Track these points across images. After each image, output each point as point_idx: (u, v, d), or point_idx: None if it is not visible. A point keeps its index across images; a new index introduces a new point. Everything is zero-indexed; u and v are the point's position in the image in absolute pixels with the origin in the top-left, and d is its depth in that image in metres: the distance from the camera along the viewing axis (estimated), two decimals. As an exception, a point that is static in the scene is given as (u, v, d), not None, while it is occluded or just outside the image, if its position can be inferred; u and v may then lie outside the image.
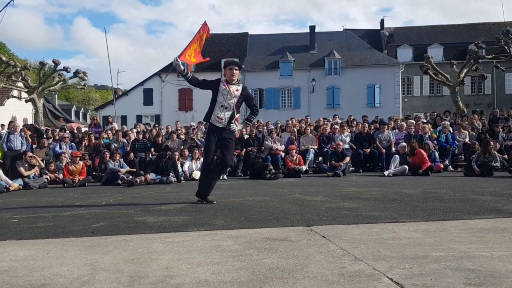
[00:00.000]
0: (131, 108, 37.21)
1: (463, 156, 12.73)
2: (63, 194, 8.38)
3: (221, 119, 5.86)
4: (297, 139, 12.85)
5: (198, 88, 6.25)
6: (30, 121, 29.36)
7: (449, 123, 13.65)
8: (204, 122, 5.87)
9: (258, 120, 16.35)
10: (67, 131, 14.49)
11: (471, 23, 43.32)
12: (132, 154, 11.50)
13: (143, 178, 10.10)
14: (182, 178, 10.62)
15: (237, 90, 5.90)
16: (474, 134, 13.34)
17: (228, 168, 6.28)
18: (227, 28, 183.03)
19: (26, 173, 10.06)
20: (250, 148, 12.43)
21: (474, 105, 37.08)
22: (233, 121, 5.91)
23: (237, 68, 5.99)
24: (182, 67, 6.00)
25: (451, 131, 13.21)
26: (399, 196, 6.45)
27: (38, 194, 8.54)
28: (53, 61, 22.00)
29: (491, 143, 11.05)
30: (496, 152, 10.93)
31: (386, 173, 10.76)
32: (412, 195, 6.57)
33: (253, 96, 6.22)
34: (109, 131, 13.53)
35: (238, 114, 6.02)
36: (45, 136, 13.03)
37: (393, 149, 12.19)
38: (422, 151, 11.02)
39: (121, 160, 10.94)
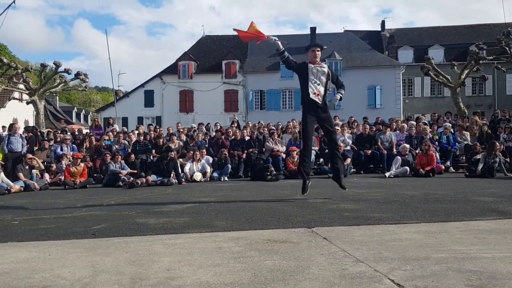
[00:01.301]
0: (132, 110, 37.25)
1: (464, 158, 12.71)
2: (64, 196, 8.39)
3: (318, 94, 6.09)
4: (298, 141, 12.84)
5: (287, 67, 6.50)
6: (31, 123, 29.41)
7: (450, 125, 13.63)
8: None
9: (259, 122, 16.37)
10: (68, 133, 14.50)
11: (471, 24, 43.33)
12: (133, 156, 11.51)
13: (144, 179, 10.11)
14: (183, 180, 10.62)
15: (323, 67, 6.25)
16: (477, 134, 13.32)
17: (338, 147, 6.63)
18: (227, 29, 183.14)
19: (25, 179, 10.06)
20: (251, 150, 12.43)
21: (475, 106, 37.06)
22: (327, 97, 6.18)
23: (319, 49, 6.39)
24: (280, 45, 6.27)
25: (453, 132, 13.20)
26: (400, 197, 6.44)
27: (39, 196, 8.54)
28: (54, 63, 22.01)
29: (497, 143, 11.03)
30: (500, 154, 10.91)
31: (387, 174, 10.75)
32: (413, 196, 6.57)
33: (336, 74, 6.66)
34: (110, 133, 13.53)
35: (331, 86, 6.33)
36: (46, 138, 13.05)
37: (395, 150, 12.18)
38: (433, 153, 11.05)
39: (122, 162, 10.95)
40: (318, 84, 6.10)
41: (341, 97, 6.36)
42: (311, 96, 6.06)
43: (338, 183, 6.45)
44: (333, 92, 6.51)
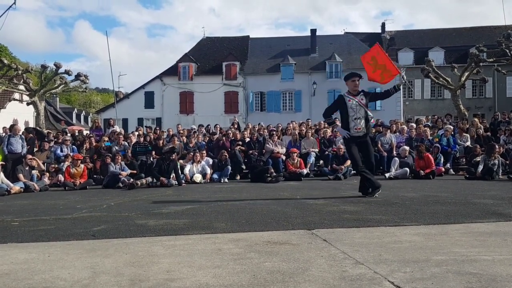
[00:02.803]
0: (132, 111, 37.26)
1: (464, 160, 12.71)
2: (64, 197, 8.38)
3: (359, 129, 6.47)
4: (298, 142, 12.85)
5: (332, 113, 6.83)
6: (32, 124, 29.40)
7: (452, 127, 13.64)
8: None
9: (259, 123, 16.37)
10: (69, 134, 14.51)
11: (472, 26, 43.37)
12: (130, 153, 11.55)
13: (143, 180, 10.10)
14: (183, 181, 10.62)
15: (362, 99, 6.48)
16: (475, 136, 13.32)
17: (374, 166, 6.94)
18: (227, 31, 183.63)
19: (25, 180, 10.06)
20: (251, 151, 12.44)
21: (475, 109, 37.07)
22: (369, 123, 6.62)
23: (358, 79, 6.59)
24: (344, 133, 6.61)
25: (453, 134, 13.20)
26: (400, 199, 6.44)
27: (39, 197, 8.54)
28: (54, 64, 22.03)
29: (497, 146, 11.02)
30: (499, 156, 10.91)
31: (387, 175, 10.75)
32: (413, 198, 6.56)
33: (371, 92, 7.07)
34: (114, 135, 13.50)
35: (370, 115, 6.66)
36: (46, 139, 13.05)
37: (395, 152, 12.17)
38: (430, 155, 11.02)
39: (122, 163, 10.95)
40: (359, 119, 6.43)
41: (402, 80, 6.80)
42: (352, 132, 6.46)
43: (364, 192, 6.79)
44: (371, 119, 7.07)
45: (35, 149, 12.47)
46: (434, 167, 10.81)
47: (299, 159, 11.76)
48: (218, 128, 15.07)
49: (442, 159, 11.78)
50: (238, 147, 12.53)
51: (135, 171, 10.98)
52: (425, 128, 13.38)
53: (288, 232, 4.12)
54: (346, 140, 6.70)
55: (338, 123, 6.70)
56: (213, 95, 37.40)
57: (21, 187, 9.69)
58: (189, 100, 38.13)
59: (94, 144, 12.86)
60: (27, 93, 21.89)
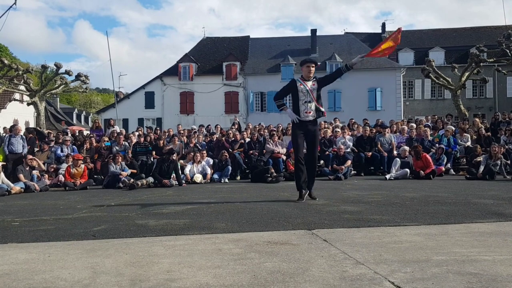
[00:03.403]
0: (132, 111, 37.29)
1: (464, 160, 12.71)
2: (65, 197, 8.39)
3: (309, 112, 6.35)
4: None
5: (283, 97, 6.65)
6: (32, 124, 29.42)
7: (453, 127, 13.64)
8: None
9: (260, 124, 16.36)
10: (69, 134, 14.52)
11: (472, 26, 43.38)
12: (129, 154, 11.56)
13: (144, 181, 10.11)
14: (184, 181, 10.62)
15: (313, 84, 6.41)
16: (474, 137, 13.33)
17: (316, 160, 6.83)
18: (227, 31, 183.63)
19: (25, 180, 10.07)
20: (251, 151, 12.44)
21: (475, 109, 37.08)
22: (320, 110, 6.41)
23: (313, 65, 6.52)
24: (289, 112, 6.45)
25: (453, 134, 13.20)
26: (400, 199, 6.44)
27: (39, 197, 8.55)
28: (55, 65, 22.06)
29: (497, 146, 11.01)
30: (501, 156, 10.90)
31: (387, 176, 10.75)
32: (413, 198, 6.56)
33: (323, 77, 6.87)
34: (115, 135, 13.50)
35: (322, 110, 6.52)
36: (46, 139, 13.06)
37: (395, 152, 12.18)
38: (427, 155, 11.01)
39: (123, 163, 10.96)
40: (309, 102, 6.33)
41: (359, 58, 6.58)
42: (302, 116, 6.33)
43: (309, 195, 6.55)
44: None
45: (36, 149, 12.48)
46: (434, 167, 10.81)
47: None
48: (219, 129, 15.07)
49: (445, 160, 11.80)
50: (238, 150, 12.52)
51: (135, 171, 10.98)
52: (425, 128, 13.39)
53: (288, 232, 4.11)
54: (294, 126, 6.52)
55: (288, 109, 6.47)
56: (213, 95, 37.41)
57: (21, 187, 9.69)
58: (189, 100, 38.15)
59: (94, 144, 12.87)
60: (28, 93, 21.91)
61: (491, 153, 10.70)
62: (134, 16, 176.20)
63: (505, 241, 3.56)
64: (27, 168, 10.49)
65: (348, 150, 12.35)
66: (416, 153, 10.94)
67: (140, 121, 35.98)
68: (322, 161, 12.53)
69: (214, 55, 39.80)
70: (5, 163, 10.68)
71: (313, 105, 6.34)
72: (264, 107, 37.54)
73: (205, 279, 2.64)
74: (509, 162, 11.18)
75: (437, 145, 12.46)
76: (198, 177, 11.01)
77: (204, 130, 15.46)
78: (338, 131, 13.23)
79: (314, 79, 6.48)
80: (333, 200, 6.54)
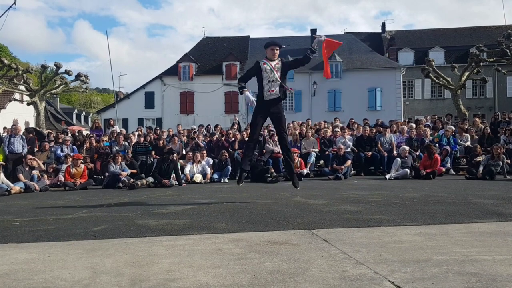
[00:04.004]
0: (132, 111, 37.27)
1: (464, 160, 12.71)
2: (64, 197, 8.38)
3: (272, 91, 6.32)
4: (299, 142, 12.85)
5: (247, 79, 6.62)
6: (32, 124, 29.41)
7: (453, 127, 13.64)
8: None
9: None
10: (69, 134, 14.52)
11: (472, 26, 43.34)
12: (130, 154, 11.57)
13: (144, 181, 10.10)
14: (183, 181, 10.62)
15: (276, 63, 6.39)
16: (475, 137, 13.32)
17: (288, 141, 6.81)
18: (227, 31, 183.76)
19: (25, 180, 10.07)
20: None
21: (475, 109, 37.07)
22: (284, 90, 6.38)
23: (278, 48, 6.50)
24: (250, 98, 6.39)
25: (453, 134, 13.20)
26: (400, 199, 6.44)
27: (39, 197, 8.54)
28: (54, 64, 22.05)
29: (499, 146, 11.00)
30: (504, 156, 10.89)
31: (387, 176, 10.75)
32: (413, 198, 6.56)
33: (289, 60, 6.96)
34: (115, 135, 13.49)
35: (288, 88, 6.50)
36: (46, 139, 13.06)
37: (395, 152, 12.18)
38: (438, 156, 11.04)
39: (123, 163, 10.95)
40: (273, 81, 6.32)
41: (318, 40, 6.64)
42: (265, 95, 6.33)
43: (291, 179, 6.65)
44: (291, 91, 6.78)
45: (36, 149, 12.47)
46: (437, 169, 10.84)
47: (299, 159, 11.76)
48: (219, 129, 15.07)
49: (448, 162, 11.81)
50: (239, 150, 12.51)
51: (135, 172, 10.98)
52: (425, 128, 13.38)
53: (289, 232, 4.11)
54: (256, 108, 6.49)
55: (246, 92, 6.43)
56: (213, 95, 37.39)
57: (21, 187, 9.69)
58: (189, 100, 38.14)
59: (94, 144, 12.87)
60: (28, 93, 21.91)
61: (493, 153, 10.70)
62: (134, 16, 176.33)
63: (505, 241, 3.56)
64: (27, 168, 10.49)
65: (348, 150, 12.35)
66: (429, 152, 10.95)
67: (140, 121, 35.95)
68: (322, 161, 12.54)
69: (214, 55, 39.79)
70: (5, 163, 10.68)
71: (277, 84, 6.32)
72: (264, 107, 37.49)
73: (205, 279, 2.64)
74: (509, 162, 11.17)
75: (437, 145, 12.46)
76: (198, 177, 11.01)
77: (204, 130, 15.45)
78: (338, 131, 13.23)
79: (279, 59, 6.48)
80: (333, 200, 6.54)
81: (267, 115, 6.48)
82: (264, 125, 15.48)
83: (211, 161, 11.83)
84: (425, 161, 11.02)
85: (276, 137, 12.84)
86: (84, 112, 56.63)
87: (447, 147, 12.14)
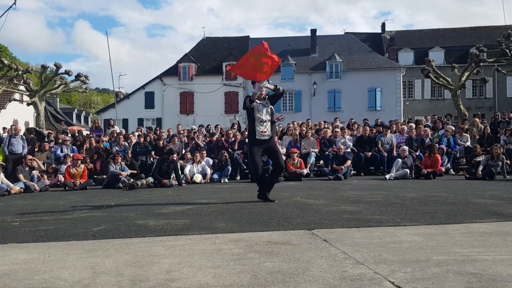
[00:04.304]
0: (132, 112, 37.26)
1: (464, 160, 12.71)
2: (64, 197, 8.38)
3: (265, 132, 6.43)
4: (299, 142, 12.85)
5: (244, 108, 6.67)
6: (32, 125, 29.41)
7: (453, 127, 13.64)
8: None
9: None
10: (69, 134, 14.51)
11: (472, 26, 43.35)
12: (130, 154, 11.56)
13: (144, 181, 10.10)
14: (183, 182, 10.62)
15: (266, 102, 6.54)
16: (477, 136, 13.31)
17: (283, 169, 7.08)
18: (227, 31, 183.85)
19: (25, 180, 10.06)
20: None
21: (475, 109, 37.06)
22: (274, 127, 6.62)
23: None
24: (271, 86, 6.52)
25: (453, 134, 13.20)
26: (400, 199, 6.44)
27: (39, 197, 8.54)
28: (54, 65, 22.04)
29: (499, 147, 11.00)
30: (503, 156, 10.89)
31: (387, 176, 10.75)
32: (413, 198, 6.56)
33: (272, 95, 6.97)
34: (115, 135, 13.49)
35: (275, 117, 6.69)
36: (46, 140, 13.05)
37: (395, 152, 12.17)
38: (439, 156, 11.05)
39: (122, 163, 10.95)
40: (265, 122, 6.40)
41: (276, 89, 6.61)
42: (258, 135, 6.40)
43: (263, 197, 6.53)
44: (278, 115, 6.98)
45: (36, 150, 12.47)
46: (437, 169, 10.84)
47: (299, 159, 11.76)
48: (219, 129, 15.07)
49: (446, 161, 11.80)
50: (238, 151, 12.51)
51: (135, 172, 10.98)
52: (425, 128, 13.38)
53: (289, 232, 4.11)
54: (251, 145, 6.53)
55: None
56: (213, 95, 37.38)
57: (21, 188, 9.68)
58: (189, 100, 38.13)
59: (94, 144, 12.86)
60: (27, 93, 21.90)
61: (493, 154, 10.70)
62: (134, 16, 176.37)
63: (505, 241, 3.56)
64: (27, 168, 10.48)
65: (348, 150, 12.35)
66: (431, 151, 10.96)
67: (140, 121, 35.94)
68: (321, 161, 12.54)
69: (214, 55, 39.78)
70: (4, 163, 10.67)
71: (269, 124, 6.42)
72: (264, 107, 37.50)
73: (205, 279, 2.64)
74: (509, 162, 11.17)
75: (437, 145, 12.45)
76: (198, 177, 11.01)
77: (204, 130, 15.45)
78: (338, 131, 13.23)
79: (266, 98, 6.58)
80: (333, 200, 6.54)
81: (261, 150, 6.57)
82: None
83: (211, 161, 11.83)
84: (426, 160, 11.03)
85: (276, 137, 12.91)
86: (84, 112, 56.62)
87: (443, 146, 12.12)
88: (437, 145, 12.49)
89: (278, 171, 6.76)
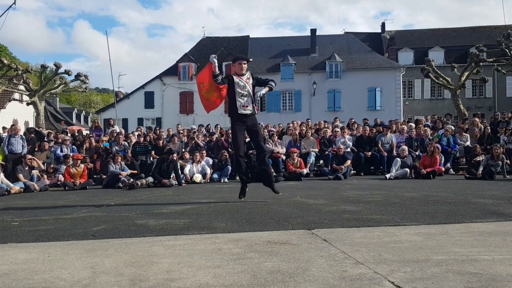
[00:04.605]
0: (132, 111, 37.26)
1: (464, 160, 12.71)
2: (64, 197, 8.38)
3: (246, 106, 6.34)
4: (299, 142, 12.85)
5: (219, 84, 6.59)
6: (32, 124, 29.40)
7: (452, 127, 13.63)
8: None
9: (259, 123, 16.32)
10: (69, 134, 14.51)
11: (472, 26, 43.35)
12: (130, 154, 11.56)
13: (143, 181, 10.10)
14: (183, 181, 10.62)
15: (248, 78, 6.47)
16: (478, 136, 13.31)
17: (263, 150, 6.82)
18: (226, 31, 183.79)
19: (25, 180, 10.06)
20: (251, 151, 12.42)
21: (475, 108, 37.06)
22: (257, 98, 6.45)
23: (245, 62, 6.59)
24: (217, 70, 6.49)
25: (453, 134, 13.20)
26: (400, 199, 6.44)
27: (39, 197, 8.54)
28: (54, 64, 22.04)
29: (499, 147, 11.00)
30: (503, 156, 10.89)
31: (387, 176, 10.75)
32: (413, 198, 6.56)
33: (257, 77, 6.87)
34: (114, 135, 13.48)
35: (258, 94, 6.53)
36: (46, 139, 13.05)
37: (395, 152, 12.17)
38: (438, 156, 11.05)
39: (122, 163, 10.95)
40: (246, 96, 6.33)
41: (270, 88, 6.52)
42: (240, 110, 6.31)
43: (270, 188, 6.57)
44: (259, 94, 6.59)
45: (36, 149, 12.46)
46: (437, 168, 10.84)
47: (299, 159, 11.76)
48: (218, 128, 15.07)
49: (443, 160, 11.79)
50: None
51: (135, 171, 10.97)
52: (425, 128, 13.38)
53: (288, 232, 4.11)
54: (232, 124, 6.49)
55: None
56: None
57: (21, 187, 9.68)
58: (189, 100, 38.11)
59: (94, 144, 12.86)
60: (27, 93, 21.90)
61: (493, 153, 10.70)
62: (134, 16, 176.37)
63: (504, 240, 3.56)
64: (27, 168, 10.48)
65: (348, 150, 12.35)
66: (433, 151, 10.95)
67: (140, 121, 35.94)
68: (321, 161, 12.54)
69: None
70: (4, 163, 10.67)
71: (250, 99, 6.34)
72: (264, 107, 37.50)
73: (205, 279, 2.64)
74: (508, 162, 11.17)
75: (438, 145, 12.45)
76: (198, 177, 11.01)
77: (204, 130, 15.45)
78: (338, 131, 13.23)
79: (249, 74, 6.52)
80: (333, 200, 6.54)
81: (244, 128, 6.46)
82: (263, 125, 15.60)
83: (210, 161, 11.83)
84: (424, 160, 11.03)
85: (276, 137, 12.94)
86: (83, 112, 56.63)
87: (437, 145, 12.10)
88: (438, 145, 12.49)
89: (259, 153, 6.61)
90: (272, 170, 7.13)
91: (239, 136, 6.44)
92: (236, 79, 6.35)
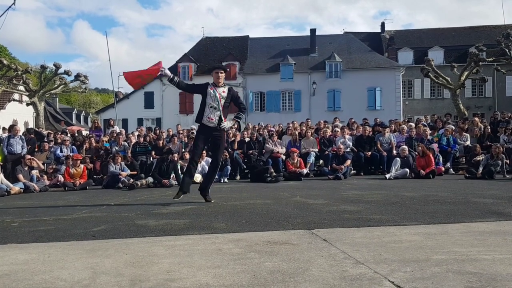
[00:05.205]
0: (132, 111, 37.25)
1: (464, 159, 12.70)
2: (64, 197, 8.38)
3: (212, 119, 6.28)
4: (298, 142, 12.85)
5: (186, 92, 6.54)
6: (31, 125, 29.40)
7: (452, 127, 13.63)
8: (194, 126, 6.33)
9: (259, 123, 16.33)
10: (68, 135, 14.50)
11: (471, 26, 43.34)
12: (130, 154, 11.55)
13: (143, 181, 10.10)
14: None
15: (223, 91, 6.36)
16: (478, 135, 13.30)
17: (219, 165, 6.82)
18: (226, 31, 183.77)
19: (24, 180, 10.05)
20: (251, 151, 12.43)
21: (475, 108, 37.06)
22: (222, 121, 6.34)
23: (222, 71, 6.46)
24: (169, 73, 6.42)
25: (453, 133, 13.20)
26: (400, 199, 6.44)
27: (39, 198, 8.54)
28: (54, 65, 22.05)
29: (498, 146, 11.00)
30: (503, 155, 10.88)
31: (387, 176, 10.74)
32: (413, 198, 6.56)
33: (239, 95, 6.92)
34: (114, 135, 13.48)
35: (227, 117, 6.45)
36: (46, 140, 13.04)
37: (394, 152, 12.17)
38: (431, 155, 11.03)
39: (122, 163, 10.95)
40: (215, 109, 6.28)
41: (236, 121, 6.65)
42: (204, 120, 6.30)
43: (202, 195, 6.57)
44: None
45: (35, 150, 12.46)
46: (434, 167, 10.82)
47: (299, 159, 11.76)
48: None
49: (440, 159, 11.78)
50: (238, 151, 12.50)
51: (135, 172, 10.97)
52: (425, 128, 13.38)
53: (288, 232, 4.11)
54: (198, 130, 6.53)
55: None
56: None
57: (20, 188, 9.68)
58: (188, 100, 38.05)
59: (94, 144, 12.86)
60: (27, 93, 21.91)
61: (493, 153, 10.70)
62: (133, 16, 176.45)
63: (504, 240, 3.56)
64: (26, 169, 10.48)
65: (348, 149, 12.35)
66: (422, 151, 10.94)
67: (140, 121, 35.95)
68: (321, 161, 12.54)
69: (213, 55, 39.75)
70: (3, 164, 10.66)
71: (217, 114, 6.26)
72: (264, 107, 37.52)
73: (205, 279, 2.64)
74: (508, 161, 11.17)
75: (436, 144, 12.46)
76: (198, 177, 10.98)
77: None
78: (338, 131, 13.22)
79: (227, 88, 6.43)
80: (333, 200, 6.54)
81: (209, 137, 6.44)
82: (263, 125, 15.57)
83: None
84: (419, 161, 11.00)
85: (276, 137, 12.93)
86: (83, 112, 56.59)
87: (433, 146, 12.08)
88: (437, 144, 12.49)
89: (213, 167, 6.61)
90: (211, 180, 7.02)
91: (199, 143, 6.45)
92: (209, 89, 6.28)
